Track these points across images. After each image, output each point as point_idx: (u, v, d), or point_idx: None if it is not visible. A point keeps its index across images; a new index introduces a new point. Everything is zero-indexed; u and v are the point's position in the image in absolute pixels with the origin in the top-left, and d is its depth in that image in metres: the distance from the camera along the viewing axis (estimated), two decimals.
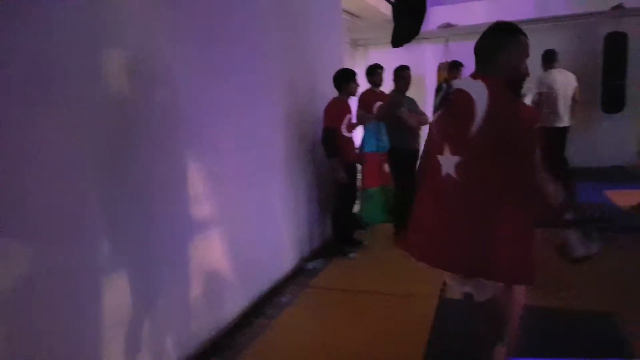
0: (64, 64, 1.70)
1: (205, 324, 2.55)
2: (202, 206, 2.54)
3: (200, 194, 2.52)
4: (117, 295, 1.95)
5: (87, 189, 1.82)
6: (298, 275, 3.63)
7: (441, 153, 1.68)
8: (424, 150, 1.87)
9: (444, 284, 3.20)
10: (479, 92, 1.58)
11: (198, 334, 2.48)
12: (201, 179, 2.52)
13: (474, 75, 1.70)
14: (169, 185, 2.29)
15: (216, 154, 2.67)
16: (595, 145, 6.53)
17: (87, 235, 1.81)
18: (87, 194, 1.82)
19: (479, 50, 1.73)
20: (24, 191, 1.57)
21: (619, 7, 6.22)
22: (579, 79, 5.11)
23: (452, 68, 5.47)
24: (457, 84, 1.72)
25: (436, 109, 1.77)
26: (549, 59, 4.95)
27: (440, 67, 7.09)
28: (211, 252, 2.65)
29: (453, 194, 1.66)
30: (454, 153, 1.64)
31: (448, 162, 1.65)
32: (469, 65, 2.07)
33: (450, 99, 1.67)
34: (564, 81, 4.90)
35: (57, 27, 1.68)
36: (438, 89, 5.00)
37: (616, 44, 6.32)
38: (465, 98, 1.60)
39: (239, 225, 2.90)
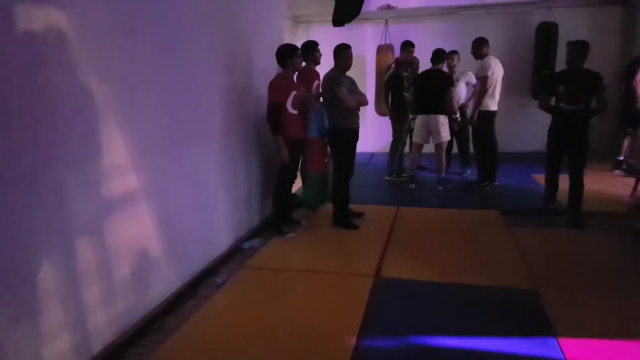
0: None
1: (133, 305, 2.44)
2: (127, 177, 2.39)
3: (125, 163, 2.37)
4: (35, 276, 1.80)
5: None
6: (234, 254, 3.57)
7: None
8: None
9: (380, 262, 3.30)
10: None
11: (126, 316, 2.37)
12: (126, 148, 2.36)
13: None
14: (89, 152, 2.12)
15: (145, 123, 2.51)
16: (525, 130, 6.90)
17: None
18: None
19: None
20: None
21: None
22: (512, 67, 5.36)
23: (404, 48, 5.60)
24: None
25: None
26: (486, 46, 5.12)
27: (380, 49, 7.15)
28: (139, 227, 2.52)
29: None
30: None
31: None
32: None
33: None
34: (499, 67, 5.11)
35: None
36: (387, 70, 5.13)
37: (547, 34, 6.67)
38: None
39: (170, 200, 2.78)
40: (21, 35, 1.74)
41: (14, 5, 1.71)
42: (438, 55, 5.22)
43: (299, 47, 4.06)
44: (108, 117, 2.22)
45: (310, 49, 4.32)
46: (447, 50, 5.65)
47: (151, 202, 2.59)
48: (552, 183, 4.23)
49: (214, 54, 3.33)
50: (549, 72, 6.20)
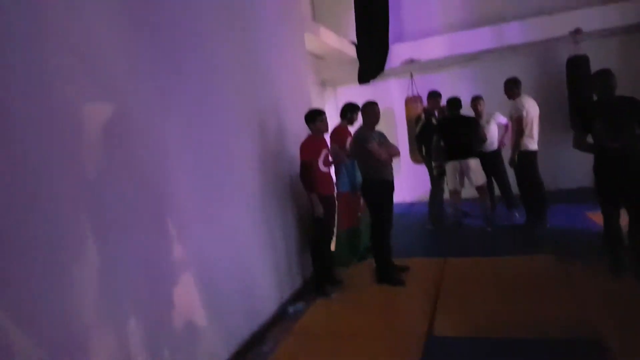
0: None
1: None
2: (169, 246, 2.43)
3: (165, 232, 2.42)
4: (92, 348, 1.80)
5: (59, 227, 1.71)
6: (280, 320, 3.48)
7: None
8: None
9: (431, 320, 3.12)
10: None
11: None
12: (170, 221, 2.43)
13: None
14: (136, 226, 2.18)
15: (183, 189, 2.59)
16: (570, 166, 6.61)
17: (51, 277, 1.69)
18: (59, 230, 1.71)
19: None
20: None
21: (577, 31, 6.49)
22: (547, 103, 5.25)
23: (431, 98, 5.66)
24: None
25: None
26: (517, 86, 5.11)
27: (408, 101, 7.25)
28: (182, 298, 2.50)
29: None
30: None
31: None
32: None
33: None
34: (534, 106, 5.06)
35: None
36: (417, 120, 5.18)
37: (578, 67, 6.54)
38: None
39: (210, 266, 2.78)
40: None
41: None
42: (454, 103, 5.23)
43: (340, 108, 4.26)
44: (149, 185, 2.32)
45: (351, 111, 4.50)
46: (472, 96, 5.69)
47: (191, 271, 2.60)
48: (616, 240, 3.43)
49: (248, 120, 3.49)
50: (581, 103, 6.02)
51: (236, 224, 3.16)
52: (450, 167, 5.25)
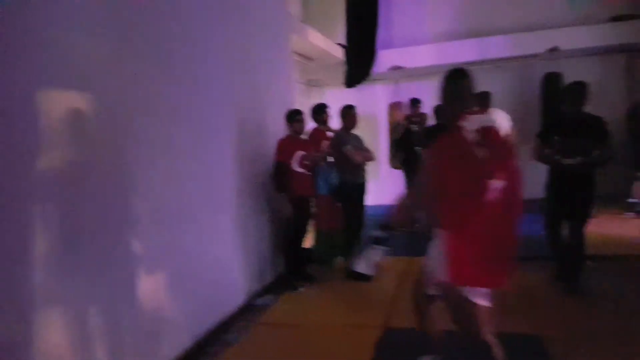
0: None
1: None
2: (144, 238, 2.55)
3: (142, 226, 2.54)
4: (47, 336, 1.93)
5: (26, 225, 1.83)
6: (247, 311, 3.61)
7: (489, 180, 1.82)
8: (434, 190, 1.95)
9: (389, 313, 3.29)
10: (497, 122, 1.91)
11: None
12: (143, 211, 2.55)
13: (480, 110, 1.93)
14: (109, 220, 2.31)
15: (161, 186, 2.71)
16: (541, 178, 6.86)
17: (20, 274, 1.81)
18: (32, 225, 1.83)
19: (465, 91, 1.97)
20: None
21: (554, 49, 6.77)
22: (520, 118, 5.47)
23: (412, 105, 5.84)
24: (479, 120, 1.92)
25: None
26: (487, 100, 5.33)
27: (392, 107, 7.43)
28: (152, 288, 2.63)
29: (498, 216, 1.84)
30: (499, 178, 1.82)
31: (495, 188, 1.82)
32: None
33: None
34: (505, 120, 5.28)
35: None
36: (396, 127, 5.27)
37: (553, 84, 6.83)
38: (496, 131, 1.89)
39: (182, 259, 2.91)
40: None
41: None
42: (440, 111, 5.42)
43: (303, 110, 4.31)
44: (126, 182, 2.44)
45: (319, 112, 4.58)
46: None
47: (165, 263, 2.73)
48: (559, 251, 3.61)
49: (228, 119, 3.59)
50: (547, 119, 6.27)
51: (210, 221, 3.28)
52: None
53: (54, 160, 2.02)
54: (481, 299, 1.95)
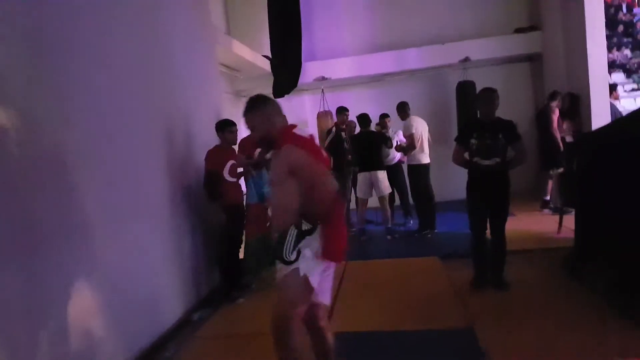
0: None
1: None
2: (68, 251, 2.43)
3: (65, 237, 2.42)
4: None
5: None
6: (183, 327, 3.53)
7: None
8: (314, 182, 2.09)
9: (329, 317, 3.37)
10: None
11: None
12: (67, 222, 2.43)
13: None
14: (35, 231, 2.17)
15: (85, 198, 2.60)
16: (458, 179, 7.37)
17: None
18: None
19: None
20: None
21: (466, 59, 7.37)
22: (438, 123, 5.96)
23: (339, 113, 6.07)
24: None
25: None
26: (407, 108, 5.83)
27: (320, 115, 7.64)
28: (82, 305, 2.50)
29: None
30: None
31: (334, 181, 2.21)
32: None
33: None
34: (423, 126, 5.76)
35: None
36: (328, 133, 5.40)
37: (466, 91, 7.42)
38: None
39: (112, 274, 2.79)
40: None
41: None
42: (365, 119, 5.78)
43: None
44: (48, 193, 2.31)
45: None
46: (379, 114, 6.25)
47: (93, 280, 2.60)
48: (481, 254, 3.74)
49: (156, 130, 3.53)
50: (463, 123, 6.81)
51: (142, 234, 3.19)
52: (361, 177, 5.72)
53: None
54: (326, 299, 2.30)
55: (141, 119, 3.33)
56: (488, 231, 3.71)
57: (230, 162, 4.02)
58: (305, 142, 2.14)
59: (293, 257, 2.02)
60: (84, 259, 2.55)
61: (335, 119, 6.54)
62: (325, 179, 2.13)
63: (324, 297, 2.28)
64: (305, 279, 2.07)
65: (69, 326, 2.39)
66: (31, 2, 2.36)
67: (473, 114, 7.19)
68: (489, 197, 3.58)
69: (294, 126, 2.21)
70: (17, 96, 2.21)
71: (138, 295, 3.06)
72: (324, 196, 2.09)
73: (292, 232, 2.00)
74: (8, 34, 2.19)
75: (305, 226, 2.04)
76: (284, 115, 2.23)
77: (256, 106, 2.16)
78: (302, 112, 7.99)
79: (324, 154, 2.35)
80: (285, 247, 1.99)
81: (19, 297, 2.09)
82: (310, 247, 2.09)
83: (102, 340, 2.65)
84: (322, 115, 7.67)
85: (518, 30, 7.47)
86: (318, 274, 2.12)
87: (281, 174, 2.00)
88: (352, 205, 6.37)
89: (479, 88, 7.12)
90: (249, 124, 2.17)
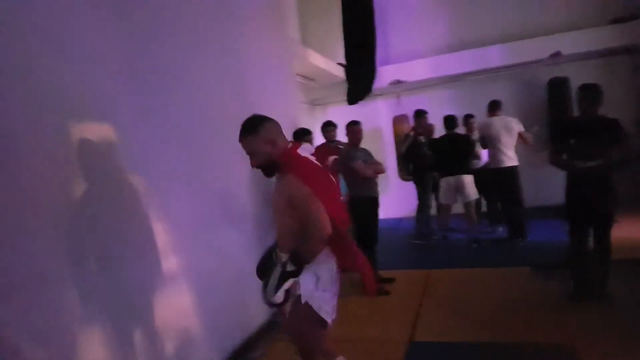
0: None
1: None
2: (167, 259, 2.62)
3: (164, 246, 2.60)
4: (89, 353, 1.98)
5: (54, 245, 1.90)
6: (270, 328, 3.63)
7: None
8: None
9: (413, 327, 3.29)
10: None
11: None
12: (166, 234, 2.62)
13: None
14: (134, 241, 2.37)
15: (180, 211, 2.79)
16: (550, 184, 6.84)
17: (54, 291, 1.87)
18: (54, 248, 1.90)
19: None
20: None
21: (556, 54, 6.82)
22: (524, 122, 5.55)
23: (417, 116, 5.92)
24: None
25: None
26: (491, 108, 5.52)
27: (396, 120, 7.52)
28: (179, 306, 2.69)
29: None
30: None
31: None
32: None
33: None
34: (502, 126, 5.37)
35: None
36: (406, 138, 5.29)
37: (559, 89, 6.88)
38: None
39: (205, 279, 2.95)
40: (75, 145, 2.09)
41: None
42: (451, 121, 5.50)
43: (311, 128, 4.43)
44: (149, 208, 2.52)
45: (326, 129, 4.70)
46: (463, 115, 6.01)
47: (187, 283, 2.78)
48: (581, 264, 3.43)
49: (237, 144, 3.66)
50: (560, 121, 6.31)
51: (231, 239, 3.34)
52: (444, 182, 5.45)
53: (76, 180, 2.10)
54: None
55: (227, 132, 3.47)
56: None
57: None
58: (311, 167, 2.02)
59: (280, 299, 1.90)
60: (178, 262, 2.73)
61: (412, 123, 6.40)
62: (319, 222, 1.88)
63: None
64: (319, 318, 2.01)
65: (168, 327, 2.56)
66: (133, 31, 2.59)
67: (569, 112, 6.69)
68: (592, 202, 3.26)
69: (297, 145, 2.07)
70: (120, 113, 2.42)
71: (228, 298, 3.20)
72: (315, 237, 1.91)
73: (277, 272, 1.88)
74: (115, 61, 2.41)
75: (290, 267, 1.91)
76: (284, 135, 2.08)
77: (254, 129, 1.97)
78: (376, 117, 7.91)
79: (332, 177, 2.19)
80: (268, 288, 1.88)
81: (124, 297, 2.28)
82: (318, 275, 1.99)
83: (197, 341, 2.81)
84: (398, 120, 7.56)
85: (615, 21, 6.78)
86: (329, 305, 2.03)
87: (280, 202, 1.94)
88: (432, 212, 6.14)
89: (574, 84, 6.76)
90: (247, 149, 1.98)
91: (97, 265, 2.13)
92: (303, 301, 1.97)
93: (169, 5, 2.94)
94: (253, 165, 2.01)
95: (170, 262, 2.65)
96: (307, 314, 1.99)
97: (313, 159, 2.09)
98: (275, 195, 2.00)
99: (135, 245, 2.41)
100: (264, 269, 1.96)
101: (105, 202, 2.23)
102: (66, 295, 1.95)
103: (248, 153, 1.99)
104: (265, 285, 1.89)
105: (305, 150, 2.07)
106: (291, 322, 2.10)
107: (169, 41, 2.95)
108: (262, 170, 2.03)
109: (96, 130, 2.25)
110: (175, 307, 2.64)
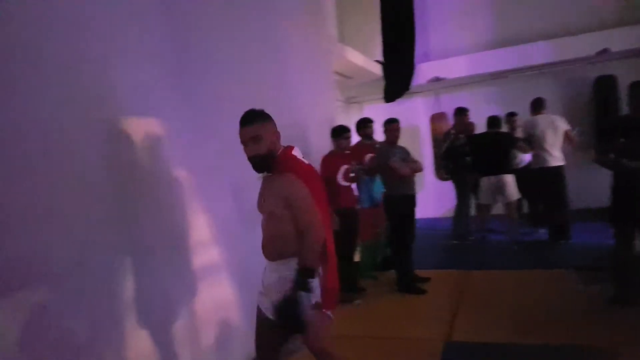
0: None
1: None
2: (209, 250, 2.71)
3: (206, 238, 2.70)
4: (132, 343, 2.08)
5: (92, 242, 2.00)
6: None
7: None
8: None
9: (450, 326, 3.26)
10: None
11: None
12: (207, 228, 2.71)
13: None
14: (175, 233, 2.47)
15: (219, 204, 2.87)
16: (596, 185, 6.56)
17: (88, 287, 1.96)
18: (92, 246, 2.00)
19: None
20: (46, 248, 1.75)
21: (604, 51, 6.55)
22: (569, 121, 5.35)
23: (458, 114, 5.78)
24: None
25: None
26: (535, 107, 5.33)
27: (435, 118, 7.41)
28: (221, 295, 2.78)
29: None
30: None
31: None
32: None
33: None
34: (547, 124, 5.18)
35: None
36: (446, 136, 5.18)
37: (606, 87, 6.60)
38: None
39: (245, 268, 3.01)
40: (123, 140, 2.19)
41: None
42: (495, 121, 5.35)
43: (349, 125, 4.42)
44: (192, 202, 2.60)
45: (363, 126, 4.69)
46: (504, 113, 5.83)
47: (228, 274, 2.86)
48: (627, 266, 3.28)
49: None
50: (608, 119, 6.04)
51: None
52: (485, 182, 5.31)
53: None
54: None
55: None
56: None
57: (344, 166, 4.09)
58: (307, 169, 1.99)
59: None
60: (221, 257, 2.82)
61: (452, 121, 6.27)
62: (319, 223, 1.86)
63: None
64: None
65: (207, 317, 2.65)
66: (180, 30, 2.68)
67: (616, 112, 6.40)
68: (639, 202, 3.14)
69: (291, 147, 2.01)
70: (164, 108, 2.51)
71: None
72: (315, 239, 1.87)
73: (303, 296, 1.76)
74: (162, 59, 2.50)
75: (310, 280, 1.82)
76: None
77: (266, 117, 1.93)
78: (413, 115, 7.80)
79: (321, 182, 2.14)
80: (298, 312, 1.74)
81: (164, 288, 2.38)
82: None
83: (239, 329, 2.89)
84: (436, 118, 7.44)
85: None
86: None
87: (278, 202, 1.86)
88: (471, 212, 6.00)
89: (622, 83, 6.44)
90: (252, 134, 1.87)
91: (139, 256, 2.21)
92: (313, 301, 1.89)
93: (214, 2, 3.02)
94: (253, 151, 1.89)
95: (210, 255, 2.73)
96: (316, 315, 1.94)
97: (307, 161, 2.05)
98: (270, 198, 1.92)
99: (176, 237, 2.51)
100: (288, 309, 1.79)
101: (148, 197, 2.33)
102: (110, 284, 2.05)
103: (250, 140, 1.88)
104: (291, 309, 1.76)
105: (298, 153, 2.03)
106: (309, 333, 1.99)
107: (213, 38, 3.03)
108: (253, 164, 1.92)
109: (143, 126, 2.35)
110: (215, 298, 2.73)
